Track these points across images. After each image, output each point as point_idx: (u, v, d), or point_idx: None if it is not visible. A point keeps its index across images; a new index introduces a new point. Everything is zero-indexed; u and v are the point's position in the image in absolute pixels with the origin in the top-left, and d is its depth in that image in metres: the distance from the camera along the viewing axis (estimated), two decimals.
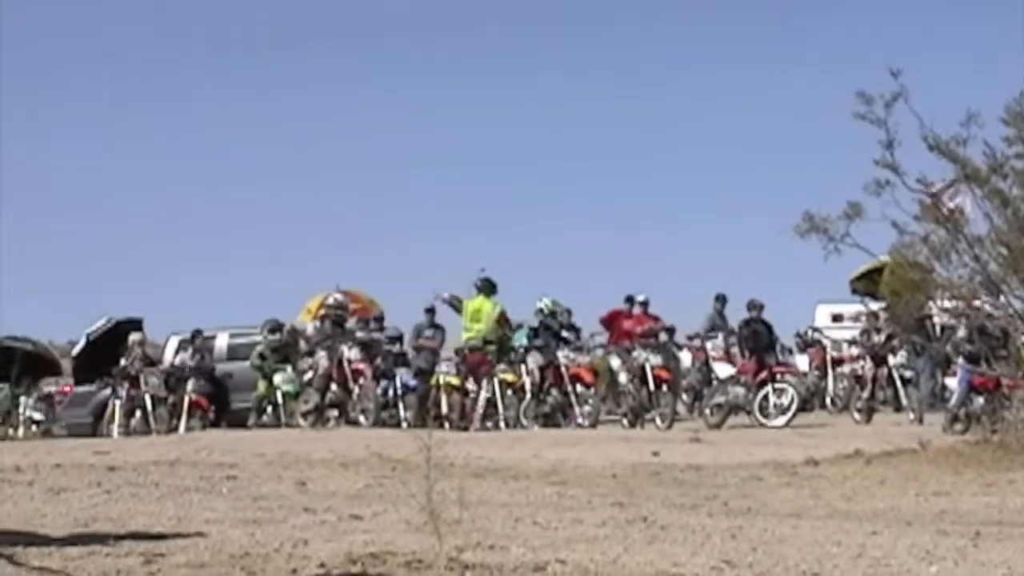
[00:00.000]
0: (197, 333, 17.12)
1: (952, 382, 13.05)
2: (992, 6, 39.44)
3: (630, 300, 16.53)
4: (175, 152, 49.02)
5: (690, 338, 18.14)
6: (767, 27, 49.37)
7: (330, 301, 15.81)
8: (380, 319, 16.90)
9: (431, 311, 16.42)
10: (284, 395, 15.39)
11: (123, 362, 16.25)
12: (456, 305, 15.02)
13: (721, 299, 16.62)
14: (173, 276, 43.27)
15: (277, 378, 15.50)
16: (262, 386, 15.67)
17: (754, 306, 15.60)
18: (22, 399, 18.68)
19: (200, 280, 42.93)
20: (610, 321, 16.41)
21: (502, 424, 14.25)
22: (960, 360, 12.88)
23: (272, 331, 16.06)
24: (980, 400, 12.56)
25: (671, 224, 46.69)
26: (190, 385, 16.19)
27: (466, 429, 14.11)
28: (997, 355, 11.63)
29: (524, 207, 48.96)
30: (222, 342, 17.72)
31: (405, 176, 48.78)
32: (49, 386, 20.13)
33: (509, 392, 14.49)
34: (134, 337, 16.67)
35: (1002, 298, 9.79)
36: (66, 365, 20.26)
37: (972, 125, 9.25)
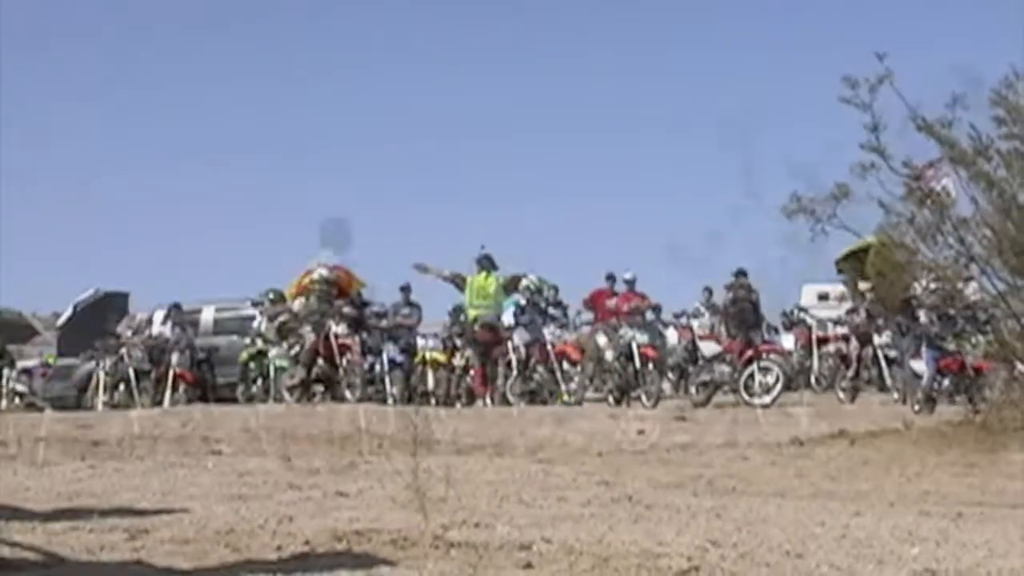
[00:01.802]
0: (175, 307, 16.85)
1: (917, 364, 13.26)
2: None
3: (611, 278, 16.40)
4: (163, 127, 48.85)
5: (676, 316, 18.19)
6: (759, 5, 49.30)
7: (315, 276, 15.73)
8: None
9: (406, 289, 16.41)
10: (276, 369, 15.32)
11: (128, 333, 16.21)
12: (459, 283, 15.00)
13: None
14: (158, 250, 43.20)
15: (272, 352, 15.41)
16: (246, 355, 15.59)
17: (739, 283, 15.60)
18: (5, 371, 18.62)
19: (185, 254, 42.87)
20: (592, 302, 16.37)
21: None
22: (924, 344, 13.10)
23: (274, 301, 15.91)
24: (946, 382, 12.87)
25: (657, 202, 46.74)
26: (175, 358, 16.11)
27: (453, 405, 14.13)
28: (961, 337, 11.85)
29: (509, 182, 48.94)
30: (208, 316, 17.65)
31: (391, 151, 48.69)
32: (31, 359, 20.08)
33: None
34: (141, 316, 16.69)
35: (985, 280, 9.83)
36: (50, 336, 20.20)
37: (957, 107, 9.25)
